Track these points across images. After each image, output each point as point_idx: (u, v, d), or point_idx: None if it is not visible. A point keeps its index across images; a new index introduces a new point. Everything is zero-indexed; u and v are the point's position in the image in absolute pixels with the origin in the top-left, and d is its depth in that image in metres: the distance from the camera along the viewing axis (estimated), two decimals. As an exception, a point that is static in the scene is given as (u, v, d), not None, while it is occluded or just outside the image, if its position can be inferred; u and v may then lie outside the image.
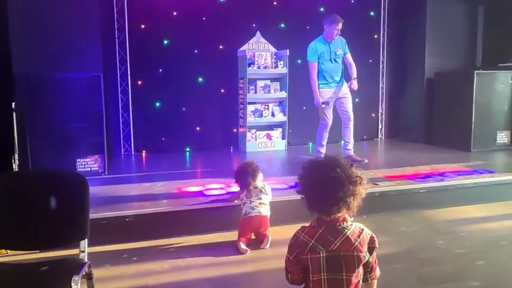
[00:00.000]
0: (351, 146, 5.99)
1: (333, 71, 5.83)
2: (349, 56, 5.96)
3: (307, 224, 1.90)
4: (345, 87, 5.94)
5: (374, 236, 1.89)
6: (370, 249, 1.86)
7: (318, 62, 5.78)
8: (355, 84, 5.88)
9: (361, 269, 1.84)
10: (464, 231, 4.12)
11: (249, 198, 3.88)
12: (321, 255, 1.79)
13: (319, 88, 5.78)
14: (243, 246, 3.67)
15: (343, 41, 5.96)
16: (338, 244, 1.80)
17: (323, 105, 5.79)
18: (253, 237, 3.87)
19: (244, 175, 3.98)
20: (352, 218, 1.87)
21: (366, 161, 5.98)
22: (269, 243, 3.74)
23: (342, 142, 6.13)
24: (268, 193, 4.01)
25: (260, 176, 4.05)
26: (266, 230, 3.83)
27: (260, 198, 3.89)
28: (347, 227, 1.83)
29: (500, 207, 4.80)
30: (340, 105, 5.93)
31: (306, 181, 1.87)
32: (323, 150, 5.99)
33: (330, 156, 1.92)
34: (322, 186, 1.80)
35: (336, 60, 5.86)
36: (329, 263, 1.79)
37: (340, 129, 6.03)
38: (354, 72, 5.93)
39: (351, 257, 1.80)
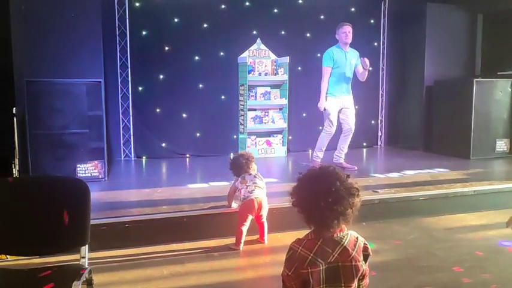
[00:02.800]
0: (343, 155, 6.09)
1: (345, 79, 5.92)
2: (360, 67, 6.05)
3: (302, 235, 1.86)
4: (350, 99, 6.02)
5: (367, 243, 1.87)
6: (365, 257, 1.85)
7: (333, 67, 5.86)
8: (366, 62, 5.88)
9: (363, 266, 1.83)
10: (463, 239, 4.13)
11: (245, 184, 4.00)
12: (321, 268, 1.76)
13: (327, 96, 5.86)
14: (241, 244, 3.83)
15: (357, 53, 6.06)
16: (336, 255, 1.77)
17: (324, 110, 5.89)
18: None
19: (239, 164, 4.14)
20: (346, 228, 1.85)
21: (356, 168, 6.01)
22: (266, 233, 3.94)
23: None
24: (262, 179, 4.14)
25: (254, 166, 4.20)
26: (265, 214, 3.94)
27: (255, 183, 4.01)
28: (343, 237, 1.81)
29: (499, 215, 4.78)
30: (344, 116, 5.99)
31: (304, 195, 1.81)
32: (321, 155, 6.05)
33: (326, 168, 1.86)
34: (323, 201, 1.75)
35: (349, 70, 5.94)
36: (328, 274, 1.77)
37: (339, 137, 6.11)
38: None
39: (349, 267, 1.79)
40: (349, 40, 5.90)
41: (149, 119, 6.91)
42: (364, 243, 1.86)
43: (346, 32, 5.86)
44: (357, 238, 1.85)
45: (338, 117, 5.99)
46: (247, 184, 3.99)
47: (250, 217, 3.87)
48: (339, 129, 6.07)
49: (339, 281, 1.78)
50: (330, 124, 5.92)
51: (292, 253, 1.80)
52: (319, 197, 1.76)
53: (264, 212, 3.94)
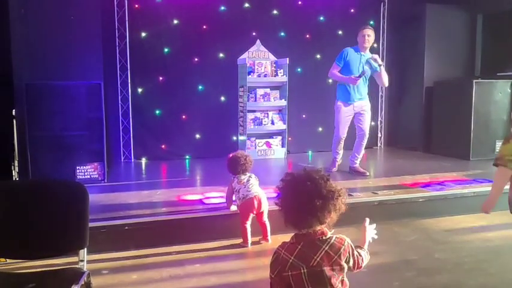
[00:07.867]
0: (357, 160, 5.95)
1: (358, 84, 5.73)
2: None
3: (288, 239, 1.88)
4: (366, 103, 5.90)
5: (352, 244, 1.87)
6: (348, 257, 1.84)
7: (343, 68, 5.72)
8: (377, 58, 5.66)
9: (345, 268, 1.83)
10: (463, 241, 4.13)
11: (242, 184, 4.06)
12: (302, 271, 1.77)
13: (340, 101, 5.78)
14: (249, 241, 3.95)
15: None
16: (318, 259, 1.78)
17: (360, 77, 5.65)
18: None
19: (237, 164, 4.15)
20: (333, 231, 1.85)
21: (368, 174, 5.86)
22: (269, 233, 4.01)
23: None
24: (257, 179, 4.17)
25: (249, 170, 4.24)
26: (266, 211, 4.00)
27: (251, 182, 4.08)
28: (326, 240, 1.81)
29: (499, 216, 4.72)
30: (358, 121, 5.88)
31: (282, 194, 1.87)
32: (338, 157, 6.02)
33: (307, 170, 1.88)
34: (293, 199, 1.80)
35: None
36: (311, 278, 1.77)
37: (355, 138, 6.00)
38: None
39: (331, 271, 1.79)
40: (368, 44, 5.73)
41: (149, 121, 6.91)
42: (350, 245, 1.85)
43: (365, 35, 5.69)
44: (343, 242, 1.84)
45: (352, 122, 5.87)
46: (244, 183, 4.05)
47: (251, 215, 3.98)
48: (354, 132, 5.98)
49: (323, 283, 1.78)
50: (339, 131, 5.82)
51: (276, 256, 1.84)
52: (291, 195, 1.82)
53: (265, 209, 4.00)
